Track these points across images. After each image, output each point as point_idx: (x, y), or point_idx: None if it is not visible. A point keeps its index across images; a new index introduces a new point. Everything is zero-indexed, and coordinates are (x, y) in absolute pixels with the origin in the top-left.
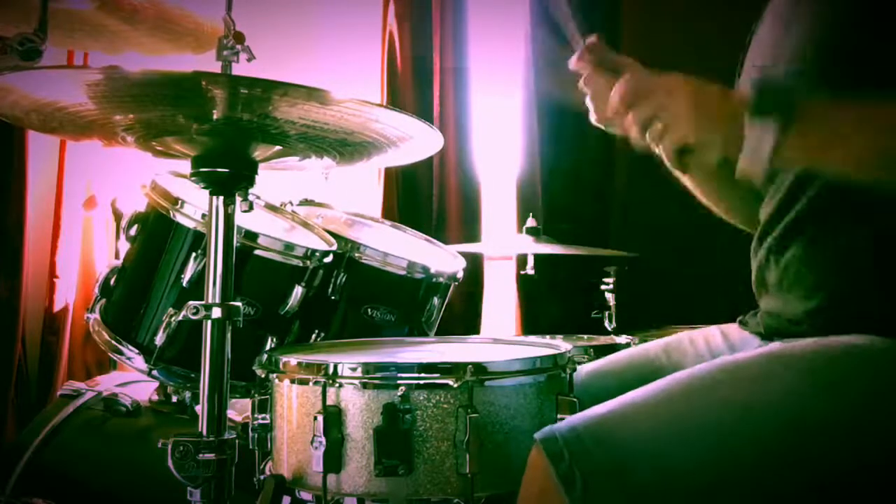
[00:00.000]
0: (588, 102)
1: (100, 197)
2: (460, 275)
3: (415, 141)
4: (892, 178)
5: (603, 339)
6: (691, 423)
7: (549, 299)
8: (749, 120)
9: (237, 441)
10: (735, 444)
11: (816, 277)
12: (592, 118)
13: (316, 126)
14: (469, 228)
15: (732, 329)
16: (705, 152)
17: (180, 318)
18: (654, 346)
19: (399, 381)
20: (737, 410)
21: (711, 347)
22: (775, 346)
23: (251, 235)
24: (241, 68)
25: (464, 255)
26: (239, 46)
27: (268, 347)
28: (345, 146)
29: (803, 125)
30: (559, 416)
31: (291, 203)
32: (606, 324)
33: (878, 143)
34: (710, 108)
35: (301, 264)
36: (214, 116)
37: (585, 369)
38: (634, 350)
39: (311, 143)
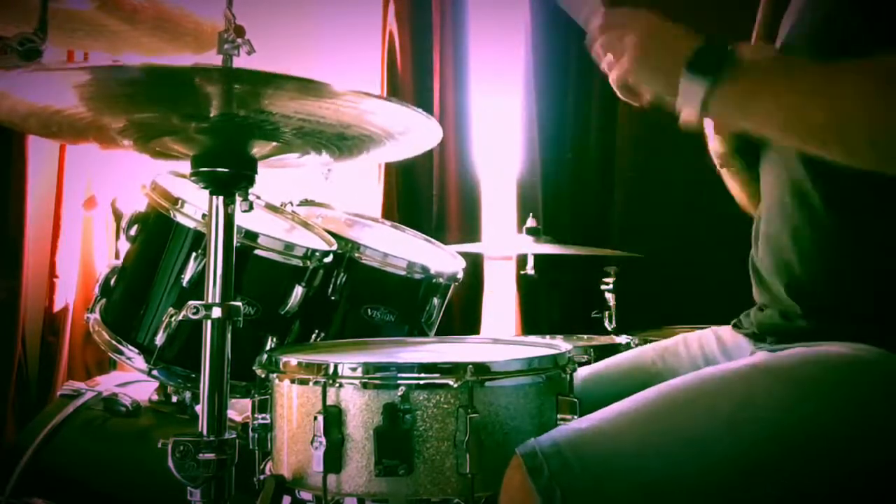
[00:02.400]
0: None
1: (100, 197)
2: (460, 275)
3: (413, 133)
4: (826, 151)
5: (603, 339)
6: (674, 437)
7: (549, 299)
8: (684, 72)
9: (237, 441)
10: (718, 457)
11: (808, 282)
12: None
13: (313, 120)
14: (469, 228)
15: (726, 332)
16: (642, 91)
17: (180, 318)
18: (650, 350)
19: (399, 381)
20: (720, 422)
21: (705, 351)
22: (760, 356)
23: (251, 235)
24: (241, 63)
25: (464, 255)
26: (239, 40)
27: (268, 347)
28: (342, 140)
29: (734, 80)
30: (559, 416)
31: (291, 203)
32: (606, 324)
33: (810, 111)
34: (656, 54)
35: (301, 264)
36: (211, 113)
37: (582, 374)
38: (631, 354)
39: (308, 138)
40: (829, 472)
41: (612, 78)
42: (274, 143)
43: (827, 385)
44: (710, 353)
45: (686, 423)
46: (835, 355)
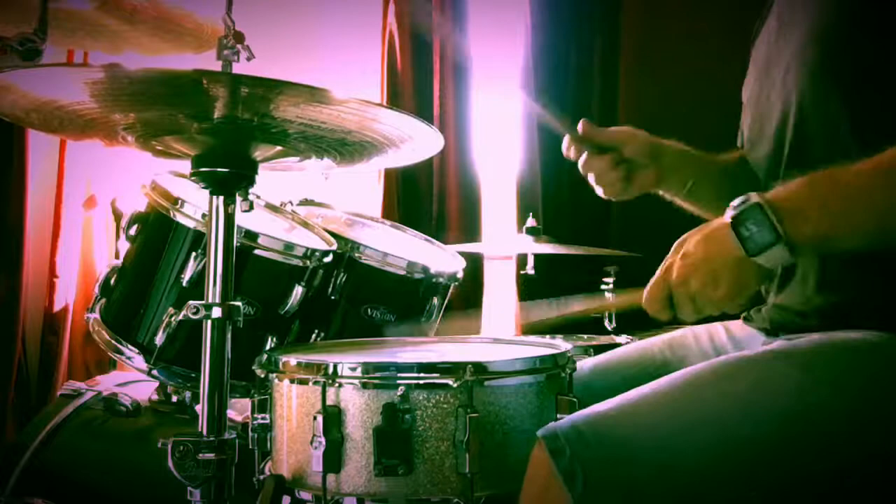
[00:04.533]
0: (592, 183)
1: (100, 197)
2: (460, 275)
3: (415, 141)
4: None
5: (603, 339)
6: (692, 417)
7: (549, 299)
8: (750, 253)
9: (237, 441)
10: (735, 437)
11: (824, 272)
12: (601, 194)
13: (315, 126)
14: (469, 228)
15: (736, 325)
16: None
17: (180, 317)
18: (657, 342)
19: (399, 381)
20: (737, 404)
21: (715, 343)
22: (777, 343)
23: (251, 235)
24: (241, 68)
25: (464, 255)
26: (239, 46)
27: (268, 347)
28: (344, 146)
29: (791, 220)
30: (559, 415)
31: (291, 203)
32: (606, 324)
33: (869, 211)
34: (724, 272)
35: (301, 264)
36: (215, 115)
37: (588, 364)
38: (638, 345)
39: (310, 143)
40: (843, 453)
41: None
42: (276, 147)
43: (841, 369)
44: (721, 343)
45: (704, 405)
46: (848, 340)
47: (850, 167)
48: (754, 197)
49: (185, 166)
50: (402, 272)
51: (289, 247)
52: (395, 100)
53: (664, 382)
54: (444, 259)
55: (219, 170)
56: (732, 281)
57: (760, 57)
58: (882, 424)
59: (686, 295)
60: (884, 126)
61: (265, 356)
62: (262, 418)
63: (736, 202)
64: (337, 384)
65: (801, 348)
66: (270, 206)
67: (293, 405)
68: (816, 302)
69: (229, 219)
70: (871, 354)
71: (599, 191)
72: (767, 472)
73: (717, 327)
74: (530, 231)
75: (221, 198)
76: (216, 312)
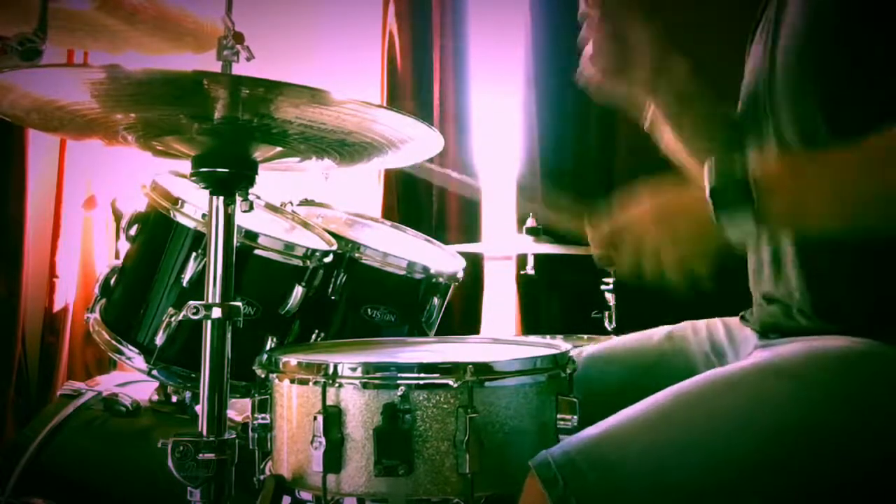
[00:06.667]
0: (587, 55)
1: (100, 197)
2: (460, 275)
3: (415, 143)
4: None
5: (603, 340)
6: (684, 438)
7: (549, 299)
8: (719, 220)
9: (237, 441)
10: (729, 454)
11: (811, 278)
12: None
13: (315, 126)
14: (469, 228)
15: (734, 323)
16: (701, 262)
17: (180, 318)
18: (657, 333)
19: (399, 381)
20: (729, 420)
21: (714, 340)
22: (765, 354)
23: (251, 235)
24: (241, 68)
25: (464, 255)
26: (239, 46)
27: (268, 347)
28: (344, 147)
29: (767, 195)
30: (559, 416)
31: (291, 203)
32: (606, 324)
33: (848, 190)
34: (683, 229)
35: (301, 264)
36: (215, 116)
37: (586, 352)
38: (639, 334)
39: (310, 144)
40: (838, 465)
41: (672, 275)
42: (276, 148)
43: (830, 381)
44: (718, 340)
45: (696, 424)
46: (835, 350)
47: (829, 152)
48: (736, 160)
49: (186, 166)
50: (403, 272)
51: (289, 247)
52: (395, 100)
53: (655, 401)
54: (444, 259)
55: (219, 170)
56: (690, 235)
57: (752, 55)
58: (873, 431)
59: (637, 238)
60: (855, 120)
61: (265, 356)
62: (263, 418)
63: (714, 160)
64: (337, 384)
65: (790, 360)
66: (270, 206)
67: (293, 405)
68: (802, 309)
69: (229, 219)
70: (858, 363)
71: (590, 61)
72: (762, 486)
73: (717, 324)
74: (530, 231)
75: (221, 198)
76: (216, 313)
